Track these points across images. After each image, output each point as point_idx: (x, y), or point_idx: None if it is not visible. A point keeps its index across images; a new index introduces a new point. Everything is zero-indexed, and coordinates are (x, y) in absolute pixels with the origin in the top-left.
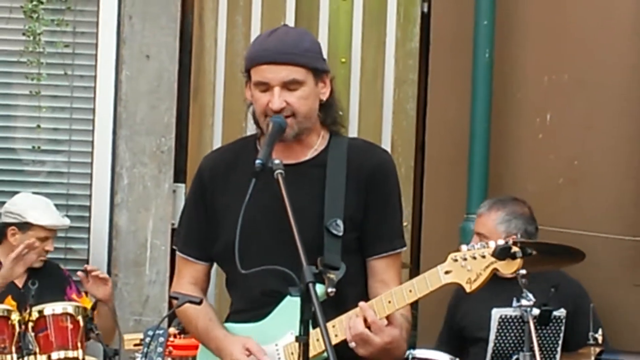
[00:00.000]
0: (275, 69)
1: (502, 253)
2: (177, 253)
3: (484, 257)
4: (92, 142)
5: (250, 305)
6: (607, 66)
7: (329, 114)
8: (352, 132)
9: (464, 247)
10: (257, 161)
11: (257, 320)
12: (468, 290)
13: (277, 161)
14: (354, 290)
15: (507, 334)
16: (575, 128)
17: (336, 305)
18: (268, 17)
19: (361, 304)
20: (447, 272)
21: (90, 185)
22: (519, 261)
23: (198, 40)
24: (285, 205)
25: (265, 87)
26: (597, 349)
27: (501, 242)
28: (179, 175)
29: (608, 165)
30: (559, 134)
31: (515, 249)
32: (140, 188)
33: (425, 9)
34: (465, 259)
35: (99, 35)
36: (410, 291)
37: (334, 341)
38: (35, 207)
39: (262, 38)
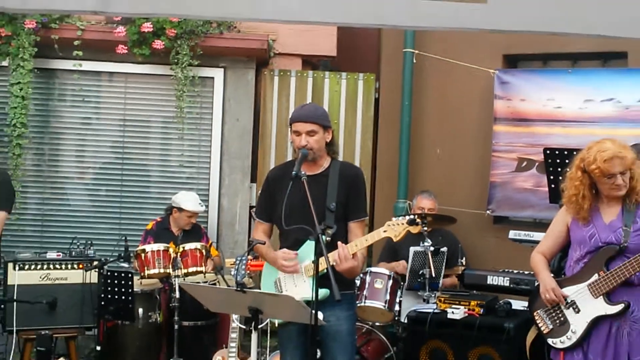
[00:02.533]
0: (303, 125)
1: (410, 222)
2: (255, 218)
3: (402, 224)
4: (210, 162)
5: (288, 245)
6: (465, 122)
7: (330, 148)
8: (342, 157)
9: (394, 219)
10: (293, 172)
11: None
12: (395, 240)
13: (303, 172)
14: (340, 239)
15: (417, 260)
16: (449, 154)
17: (332, 246)
18: (299, 96)
19: (340, 244)
20: (384, 231)
21: (209, 186)
22: (419, 227)
23: (263, 110)
24: (307, 196)
25: (298, 133)
26: (462, 267)
27: (410, 217)
28: (253, 179)
29: (468, 172)
30: (445, 160)
31: (418, 220)
32: (233, 186)
33: (376, 95)
34: (394, 225)
35: (213, 107)
36: (367, 240)
37: (326, 264)
38: (187, 200)
39: (299, 108)
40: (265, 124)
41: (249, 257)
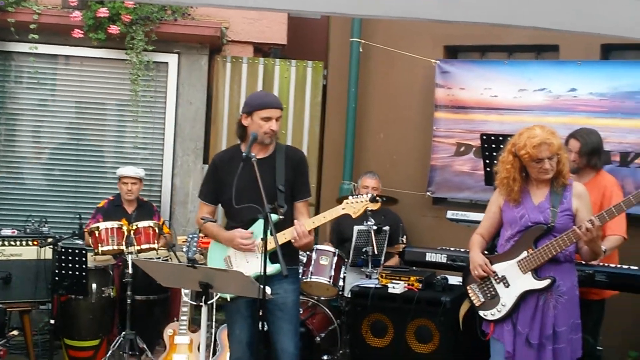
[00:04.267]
0: (275, 111)
1: (372, 199)
2: (200, 200)
3: (363, 201)
4: (163, 144)
5: (239, 225)
6: (408, 109)
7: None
8: (290, 141)
9: (351, 197)
10: (244, 154)
11: None
12: (354, 217)
13: (252, 154)
14: (290, 218)
15: (361, 238)
16: (392, 139)
17: (283, 225)
18: (250, 82)
19: (297, 222)
20: (343, 209)
21: (162, 167)
22: (379, 203)
23: (215, 94)
24: (257, 176)
25: (269, 119)
26: (403, 245)
27: (370, 195)
28: (205, 161)
29: (410, 155)
30: (389, 144)
31: (378, 198)
32: (186, 167)
33: (324, 82)
34: (353, 202)
35: (167, 91)
36: (324, 217)
37: (282, 241)
38: (123, 168)
39: (264, 95)
40: (218, 108)
41: (200, 235)
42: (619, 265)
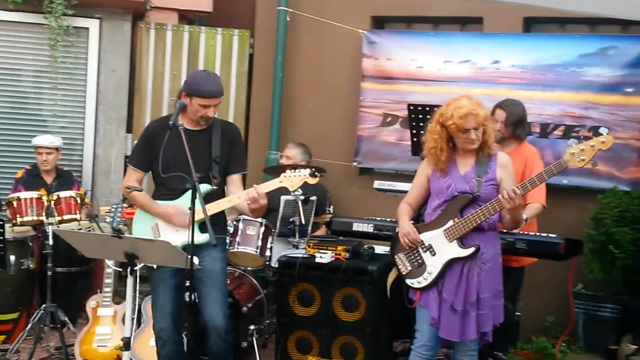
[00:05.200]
0: (215, 100)
1: (312, 174)
2: (130, 165)
3: (301, 175)
4: (85, 112)
5: (168, 194)
6: (335, 79)
7: None
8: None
9: (289, 171)
10: (170, 122)
11: (172, 200)
12: (291, 190)
13: (180, 122)
14: (223, 189)
15: (288, 208)
16: (320, 109)
17: (217, 195)
18: (175, 50)
19: (255, 186)
20: (280, 181)
21: (84, 136)
22: (317, 178)
23: (139, 62)
24: (185, 146)
25: (207, 106)
26: (330, 215)
27: (310, 170)
28: (129, 130)
29: (337, 126)
30: (316, 114)
31: (317, 172)
32: (109, 136)
33: (251, 51)
34: (290, 176)
35: (88, 58)
36: (262, 188)
37: (217, 210)
38: (38, 137)
39: (206, 80)
40: (142, 77)
41: (124, 204)
42: (538, 233)
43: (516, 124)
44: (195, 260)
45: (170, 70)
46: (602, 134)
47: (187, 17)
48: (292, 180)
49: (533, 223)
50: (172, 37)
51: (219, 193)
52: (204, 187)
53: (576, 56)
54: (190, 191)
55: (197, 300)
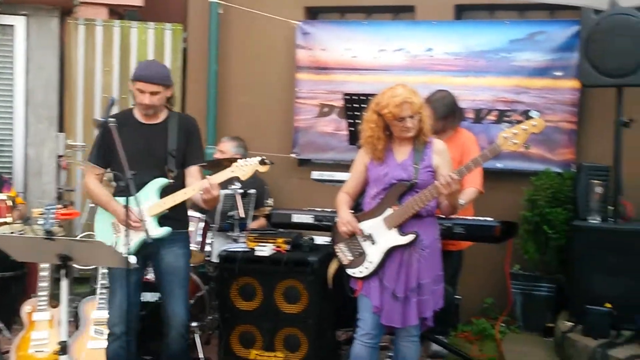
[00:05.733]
0: (146, 85)
1: (261, 162)
2: (89, 163)
3: (252, 164)
4: (13, 112)
5: (125, 189)
6: (270, 71)
7: (169, 101)
8: None
9: (240, 161)
10: (101, 119)
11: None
12: (243, 179)
13: (111, 119)
14: (181, 182)
15: (227, 202)
16: (256, 102)
17: (176, 189)
18: (106, 46)
19: (207, 177)
20: (232, 171)
21: (13, 136)
22: (267, 165)
23: (68, 59)
24: (116, 142)
25: (142, 91)
26: (269, 208)
27: (259, 158)
28: (61, 129)
29: (274, 118)
30: (252, 107)
31: (266, 160)
32: (40, 136)
33: (184, 45)
34: (242, 166)
35: (15, 56)
36: (214, 179)
37: (173, 203)
38: None
39: (144, 66)
40: (72, 74)
41: (59, 206)
42: (475, 217)
43: (446, 117)
44: (133, 259)
45: (102, 66)
46: (533, 117)
47: (117, 12)
48: (244, 169)
49: (469, 207)
50: (102, 32)
51: (179, 186)
52: (160, 181)
53: (506, 42)
54: (145, 187)
55: (161, 295)
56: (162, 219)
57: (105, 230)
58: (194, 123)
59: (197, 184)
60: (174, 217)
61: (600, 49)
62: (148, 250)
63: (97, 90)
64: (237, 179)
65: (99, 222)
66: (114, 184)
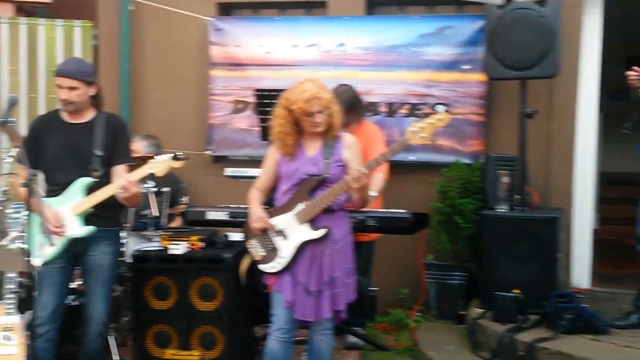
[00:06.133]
0: (63, 80)
1: (174, 157)
2: (19, 164)
3: (166, 160)
4: None
5: (53, 189)
6: (184, 68)
7: (95, 100)
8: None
9: (157, 157)
10: (1, 119)
11: (58, 195)
12: (160, 175)
13: (12, 119)
14: (107, 182)
15: (145, 202)
16: (170, 99)
17: (101, 185)
18: (12, 45)
19: (125, 175)
20: (150, 168)
21: None
22: (182, 162)
23: None
24: (17, 140)
25: (60, 87)
26: (184, 206)
27: (172, 154)
28: None
29: (188, 115)
30: (166, 104)
31: (180, 156)
32: None
33: (95, 43)
34: (158, 162)
35: None
36: (133, 175)
37: (95, 202)
38: None
39: (63, 62)
40: None
41: None
42: (387, 210)
43: (348, 110)
44: (38, 261)
45: (9, 65)
46: (439, 112)
47: (24, 9)
48: (160, 165)
49: (378, 200)
50: (8, 30)
51: (105, 185)
52: (85, 180)
53: (416, 36)
54: (70, 186)
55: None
56: (91, 218)
57: (36, 230)
58: (121, 122)
59: (116, 182)
60: (102, 215)
61: (503, 42)
62: (76, 249)
63: (2, 89)
64: (150, 177)
65: (31, 221)
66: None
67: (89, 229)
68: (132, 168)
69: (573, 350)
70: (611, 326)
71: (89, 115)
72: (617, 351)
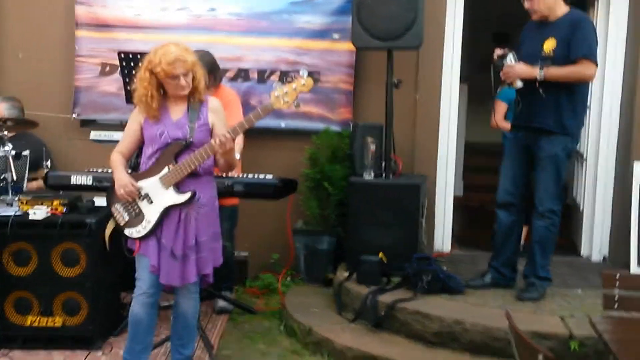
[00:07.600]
0: None
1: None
2: None
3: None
4: None
5: None
6: (48, 27)
7: None
8: None
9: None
10: None
11: None
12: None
13: None
14: None
15: (4, 165)
16: (33, 60)
17: None
18: None
19: None
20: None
21: None
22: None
23: None
24: None
25: None
26: (47, 170)
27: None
28: None
29: (53, 77)
30: (29, 65)
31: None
32: None
33: None
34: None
35: None
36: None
37: None
38: None
39: None
40: None
41: None
42: (254, 175)
43: (208, 74)
44: None
45: None
46: (302, 77)
47: None
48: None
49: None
50: None
51: None
52: None
53: (287, 4)
54: None
55: None
56: None
57: None
58: None
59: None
60: None
61: (370, 13)
62: None
63: None
64: (8, 140)
65: None
66: None
67: None
68: None
69: (429, 310)
70: (467, 286)
71: None
72: (470, 310)
